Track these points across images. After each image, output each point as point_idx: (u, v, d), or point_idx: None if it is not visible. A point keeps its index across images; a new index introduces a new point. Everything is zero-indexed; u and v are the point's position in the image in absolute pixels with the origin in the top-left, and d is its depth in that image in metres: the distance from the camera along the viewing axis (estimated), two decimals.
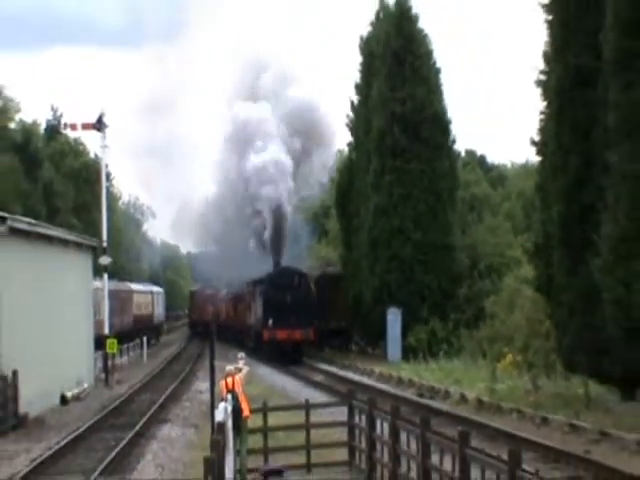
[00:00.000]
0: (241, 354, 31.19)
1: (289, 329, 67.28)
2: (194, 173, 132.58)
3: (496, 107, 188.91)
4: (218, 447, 19.49)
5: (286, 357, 66.66)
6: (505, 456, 15.67)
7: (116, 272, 78.42)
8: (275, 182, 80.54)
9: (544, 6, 43.09)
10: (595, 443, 29.69)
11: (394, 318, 64.68)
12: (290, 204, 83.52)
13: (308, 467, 25.91)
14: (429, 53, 69.86)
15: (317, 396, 43.85)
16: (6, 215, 40.86)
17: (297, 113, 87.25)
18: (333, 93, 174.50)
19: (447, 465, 18.15)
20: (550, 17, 42.73)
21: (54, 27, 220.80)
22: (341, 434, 26.78)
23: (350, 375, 57.53)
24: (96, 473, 26.13)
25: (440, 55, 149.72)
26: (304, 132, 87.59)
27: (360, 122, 74.05)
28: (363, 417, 24.98)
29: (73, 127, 70.19)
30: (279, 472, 25.07)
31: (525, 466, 16.22)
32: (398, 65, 67.66)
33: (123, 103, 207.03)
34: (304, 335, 68.32)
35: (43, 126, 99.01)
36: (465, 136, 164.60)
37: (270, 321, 68.10)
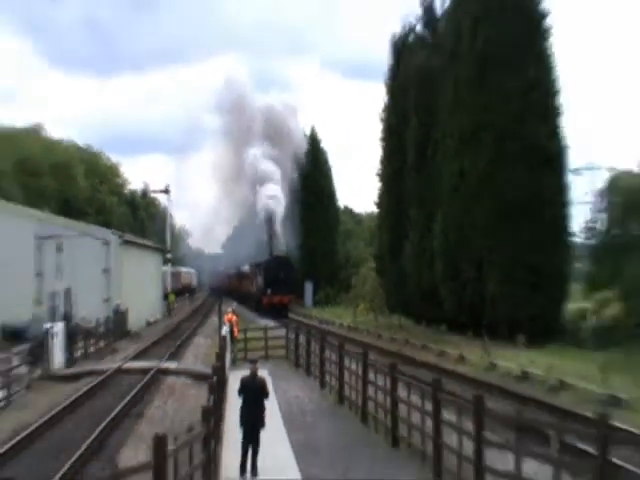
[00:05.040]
0: (234, 303, 31.08)
1: (281, 295, 54.72)
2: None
3: (359, 185, 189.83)
4: (223, 347, 19.41)
5: (278, 314, 52.78)
6: (361, 351, 15.81)
7: (173, 262, 76.87)
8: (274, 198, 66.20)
9: (380, 139, 43.86)
10: (403, 345, 29.90)
11: (309, 287, 64.70)
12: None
13: (266, 357, 25.71)
14: (327, 160, 70.26)
15: (271, 323, 43.60)
16: (122, 233, 40.71)
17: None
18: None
19: (333, 357, 18.22)
20: (383, 144, 43.43)
21: (146, 143, 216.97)
22: (282, 342, 26.67)
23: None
24: (165, 357, 25.93)
25: (334, 158, 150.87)
26: None
27: (294, 196, 73.42)
28: (293, 334, 24.96)
29: (154, 192, 69.91)
30: (255, 361, 24.51)
31: (370, 357, 16.34)
32: (311, 168, 67.32)
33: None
34: (290, 299, 56.60)
35: (139, 191, 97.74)
36: (344, 197, 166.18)
37: (269, 290, 54.97)
